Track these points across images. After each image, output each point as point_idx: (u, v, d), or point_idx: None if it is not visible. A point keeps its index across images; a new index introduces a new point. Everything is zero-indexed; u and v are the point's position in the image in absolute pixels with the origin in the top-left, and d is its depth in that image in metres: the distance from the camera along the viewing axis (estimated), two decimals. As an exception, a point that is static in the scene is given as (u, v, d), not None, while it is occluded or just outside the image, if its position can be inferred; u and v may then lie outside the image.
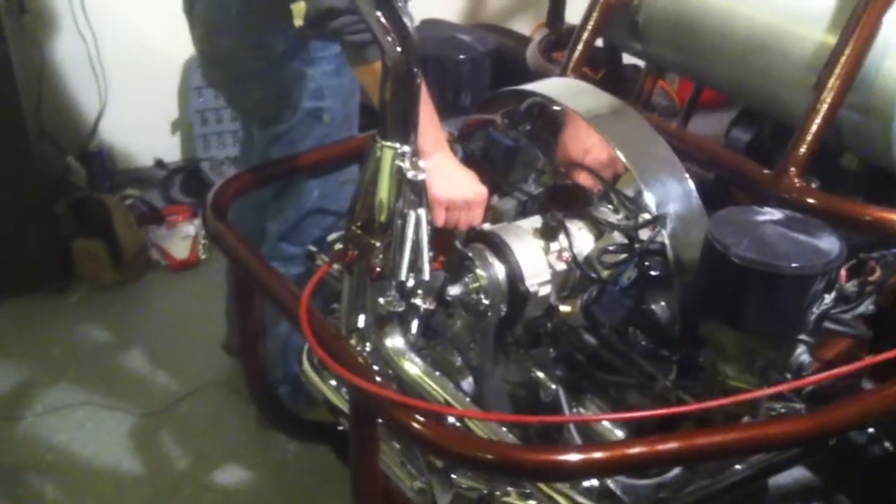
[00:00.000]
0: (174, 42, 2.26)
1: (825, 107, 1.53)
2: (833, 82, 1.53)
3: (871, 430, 1.65)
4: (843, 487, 1.93)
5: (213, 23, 1.92)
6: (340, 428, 1.72)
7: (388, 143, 1.39)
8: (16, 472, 2.23)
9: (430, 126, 1.63)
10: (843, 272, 1.49)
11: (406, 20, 1.34)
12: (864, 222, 1.51)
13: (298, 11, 1.70)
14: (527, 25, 3.70)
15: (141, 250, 3.01)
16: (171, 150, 3.56)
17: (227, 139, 3.50)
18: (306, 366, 1.73)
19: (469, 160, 1.75)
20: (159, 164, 3.48)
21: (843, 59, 1.53)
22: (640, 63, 2.15)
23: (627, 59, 2.34)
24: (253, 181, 1.85)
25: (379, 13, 1.31)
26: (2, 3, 2.63)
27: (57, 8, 3.17)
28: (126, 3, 3.22)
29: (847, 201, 1.54)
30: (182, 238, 3.13)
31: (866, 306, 1.48)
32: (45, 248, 2.87)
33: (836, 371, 1.30)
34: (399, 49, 1.33)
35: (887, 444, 1.65)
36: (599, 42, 2.10)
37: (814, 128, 1.53)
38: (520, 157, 1.77)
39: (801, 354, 1.33)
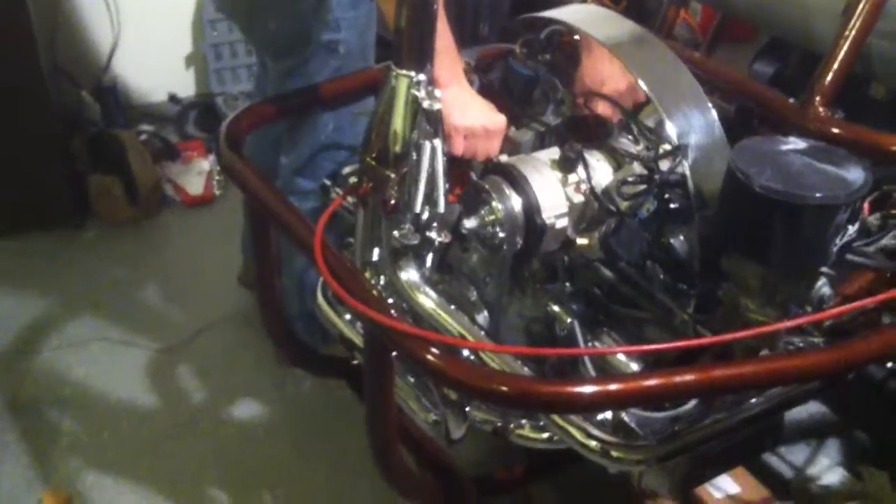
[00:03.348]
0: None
1: (854, 33, 1.49)
2: (862, 7, 1.48)
3: (889, 364, 1.63)
4: (861, 422, 1.91)
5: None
6: (355, 362, 1.72)
7: (404, 72, 1.36)
8: (33, 406, 2.25)
9: (448, 57, 1.59)
10: (866, 205, 1.46)
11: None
12: (891, 153, 1.47)
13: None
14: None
15: (156, 186, 3.00)
16: (185, 84, 3.53)
17: (241, 74, 3.47)
18: (321, 300, 1.72)
19: (487, 90, 1.71)
20: (173, 98, 3.46)
21: (872, -15, 1.48)
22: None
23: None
24: (267, 114, 1.82)
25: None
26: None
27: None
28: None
29: (873, 132, 1.50)
30: (197, 174, 3.12)
31: (889, 239, 1.45)
32: (61, 184, 2.87)
33: (856, 304, 1.27)
34: (415, -25, 1.29)
35: (906, 379, 1.64)
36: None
37: (841, 56, 1.49)
38: (539, 88, 1.73)
39: (823, 287, 1.30)
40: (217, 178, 3.09)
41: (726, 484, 1.78)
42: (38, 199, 2.84)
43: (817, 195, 1.20)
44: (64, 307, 2.57)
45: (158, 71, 3.43)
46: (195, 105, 3.45)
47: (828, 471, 1.98)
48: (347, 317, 1.66)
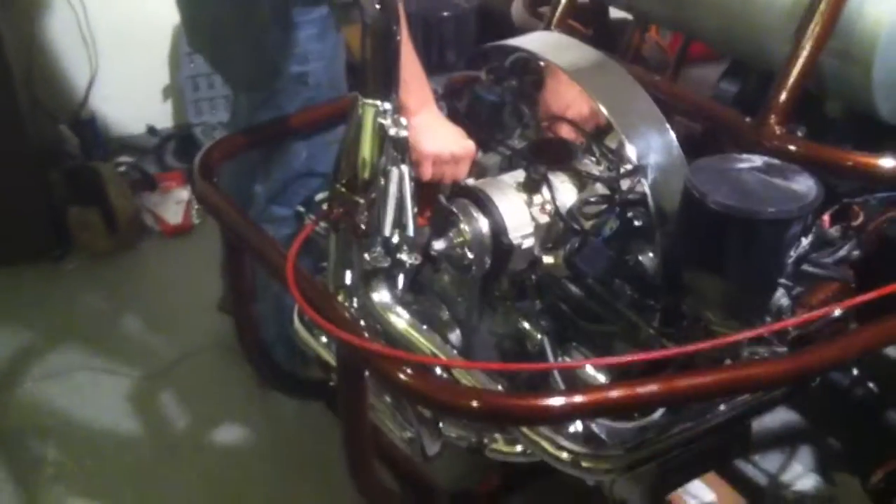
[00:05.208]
0: (164, 8, 2.26)
1: (805, 54, 1.53)
2: (813, 28, 1.53)
3: (855, 371, 1.67)
4: (831, 429, 1.96)
5: (197, -14, 1.92)
6: (332, 383, 1.75)
7: (370, 101, 1.41)
8: (17, 437, 2.27)
9: (417, 83, 1.64)
10: (826, 217, 1.51)
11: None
12: (846, 167, 1.52)
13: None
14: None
15: (135, 217, 3.04)
16: (163, 116, 3.56)
17: (218, 104, 3.50)
18: (298, 324, 1.75)
19: (454, 117, 1.76)
20: (152, 130, 3.50)
21: (822, 5, 1.53)
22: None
23: (619, 12, 2.33)
24: (240, 144, 1.86)
25: (356, -29, 1.33)
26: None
27: (45, -24, 3.17)
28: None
29: (828, 147, 1.55)
30: (176, 203, 3.15)
31: (848, 251, 1.50)
32: (41, 216, 2.90)
33: (813, 314, 1.32)
34: (378, 6, 1.34)
35: (872, 384, 1.68)
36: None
37: (794, 75, 1.54)
38: (504, 113, 1.78)
39: (781, 298, 1.35)
40: (196, 207, 3.12)
41: (702, 492, 1.82)
42: (18, 231, 2.86)
43: (770, 209, 1.25)
44: (46, 338, 2.59)
45: (136, 103, 3.47)
46: (173, 136, 3.49)
47: (801, 477, 2.02)
48: (323, 339, 1.70)
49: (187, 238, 3.09)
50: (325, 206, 1.75)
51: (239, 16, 1.86)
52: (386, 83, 1.40)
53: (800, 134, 1.63)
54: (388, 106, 1.41)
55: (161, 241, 3.07)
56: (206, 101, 3.50)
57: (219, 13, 1.90)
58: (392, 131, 1.42)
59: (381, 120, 1.41)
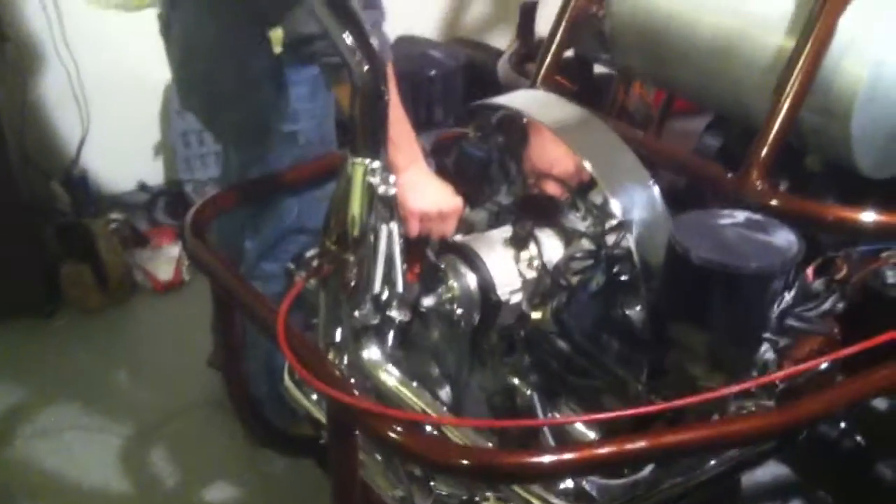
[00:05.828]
0: (155, 66, 2.30)
1: (785, 109, 1.57)
2: (792, 84, 1.57)
3: (843, 424, 1.68)
4: (821, 483, 1.96)
5: (190, 45, 1.95)
6: (323, 441, 1.75)
7: (359, 160, 1.43)
8: (5, 496, 2.25)
9: (406, 142, 1.67)
10: (809, 271, 1.53)
11: (374, 40, 1.38)
12: (827, 222, 1.55)
13: (277, 38, 1.75)
14: (502, 39, 3.74)
15: (126, 273, 3.04)
16: (154, 173, 3.58)
17: (209, 161, 3.52)
18: (288, 381, 1.75)
19: (443, 173, 1.78)
20: (143, 187, 3.51)
21: (801, 62, 1.57)
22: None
23: (604, 68, 2.38)
24: (231, 201, 1.88)
25: (346, 35, 1.36)
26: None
27: (37, 36, 3.19)
28: (106, 29, 3.23)
29: (809, 202, 1.58)
30: (166, 260, 3.15)
31: (832, 304, 1.52)
32: (32, 273, 2.90)
33: (799, 367, 1.33)
34: (366, 68, 1.37)
35: (859, 438, 1.68)
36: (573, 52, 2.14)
37: (774, 130, 1.57)
38: (492, 169, 1.81)
39: (766, 352, 1.36)
40: (186, 263, 3.13)
41: (692, 547, 1.81)
42: (9, 287, 2.85)
43: (752, 265, 1.27)
44: (36, 396, 2.58)
45: (127, 160, 3.49)
46: (164, 192, 3.51)
47: (792, 530, 2.02)
48: (314, 397, 1.70)
49: (178, 294, 3.09)
50: (314, 263, 1.78)
51: (231, 75, 1.89)
52: (375, 142, 1.42)
53: (782, 188, 1.67)
54: (376, 164, 1.43)
55: (152, 298, 3.08)
56: (197, 157, 3.52)
57: (211, 72, 1.93)
58: (381, 189, 1.43)
59: (370, 178, 1.43)
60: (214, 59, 1.89)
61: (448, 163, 1.86)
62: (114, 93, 3.32)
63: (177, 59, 2.02)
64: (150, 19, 2.07)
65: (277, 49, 1.75)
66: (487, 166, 1.80)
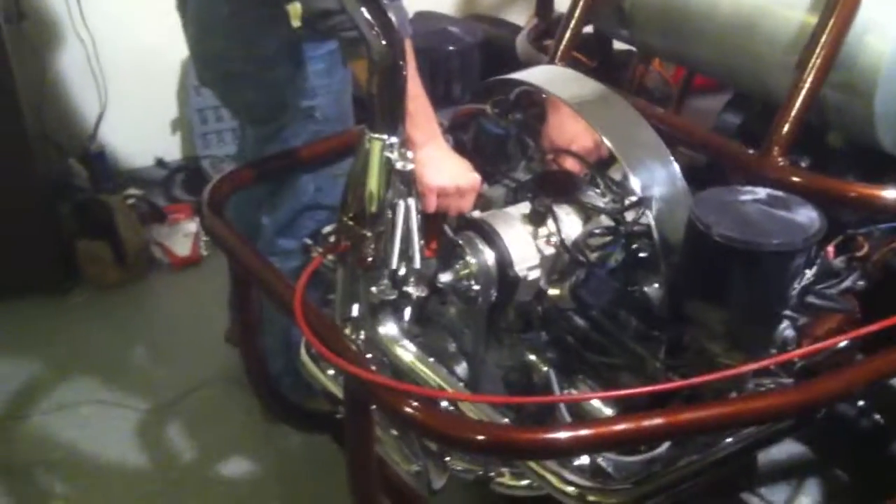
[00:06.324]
0: (172, 42, 2.29)
1: (807, 86, 1.55)
2: (814, 61, 1.55)
3: (861, 403, 1.67)
4: (837, 461, 1.95)
5: (205, 23, 1.95)
6: (339, 416, 1.75)
7: (377, 135, 1.42)
8: (24, 470, 2.27)
9: (424, 118, 1.66)
10: (830, 248, 1.51)
11: (391, 14, 1.37)
12: (849, 199, 1.53)
13: (295, 13, 1.74)
14: (521, 16, 3.71)
15: (144, 249, 3.05)
16: (171, 148, 3.59)
17: (226, 137, 3.53)
18: (304, 357, 1.76)
19: (460, 149, 1.78)
20: (160, 163, 3.52)
21: (823, 38, 1.55)
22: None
23: (623, 44, 2.36)
24: (248, 177, 1.87)
25: (364, 9, 1.35)
26: (2, 12, 2.67)
27: (55, 13, 3.21)
28: (123, 5, 3.26)
29: (831, 179, 1.56)
30: (184, 236, 3.17)
31: (853, 281, 1.50)
32: (50, 250, 2.91)
33: (818, 345, 1.32)
34: (384, 42, 1.36)
35: (878, 416, 1.67)
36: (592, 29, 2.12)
37: (796, 107, 1.55)
38: (509, 146, 1.80)
39: (785, 330, 1.35)
40: (204, 239, 3.14)
41: (708, 525, 1.81)
42: (27, 265, 2.87)
43: (774, 241, 1.26)
44: (54, 371, 2.60)
45: (145, 136, 3.50)
46: (182, 168, 3.52)
47: (808, 510, 2.01)
48: (330, 372, 1.70)
49: (196, 270, 3.10)
50: (332, 239, 1.77)
51: (247, 51, 1.88)
52: (392, 118, 1.42)
53: (803, 165, 1.65)
54: (394, 140, 1.42)
55: (169, 274, 3.09)
56: (214, 133, 3.53)
57: (227, 49, 1.92)
58: (398, 165, 1.43)
59: (387, 154, 1.42)
60: (228, 36, 1.89)
61: (466, 139, 1.85)
62: (131, 69, 3.33)
63: (192, 36, 2.01)
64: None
65: (296, 23, 1.74)
66: (505, 142, 1.79)
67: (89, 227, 3.00)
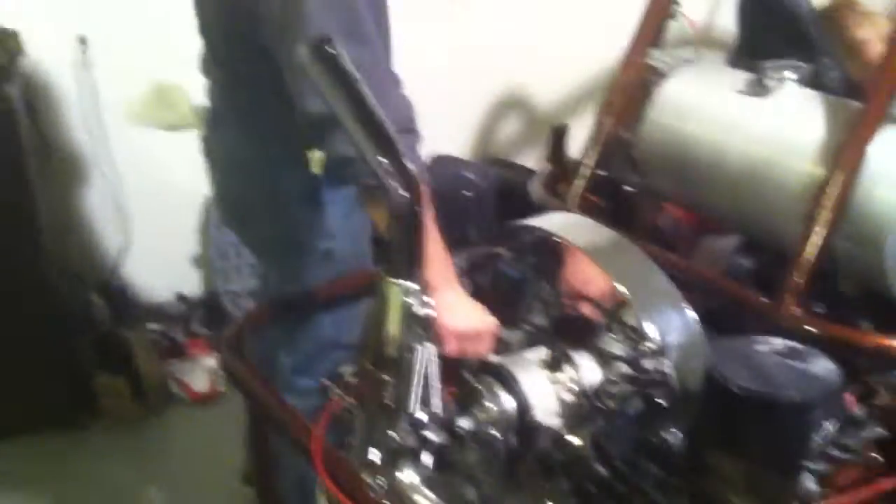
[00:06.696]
0: (195, 179, 2.36)
1: (818, 237, 1.59)
2: (824, 213, 1.59)
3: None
4: None
5: (227, 165, 2.01)
6: (355, 563, 1.72)
7: (395, 281, 1.45)
8: None
9: (440, 262, 1.69)
10: (850, 397, 1.51)
11: (411, 165, 1.42)
12: (865, 349, 1.55)
13: (316, 160, 1.80)
14: (533, 157, 3.83)
15: (162, 384, 3.06)
16: (192, 283, 3.64)
17: (245, 272, 3.56)
18: (321, 500, 1.74)
19: (477, 292, 1.80)
20: (180, 297, 3.56)
21: (832, 190, 1.60)
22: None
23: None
24: (268, 317, 1.90)
25: (384, 159, 1.39)
26: (30, 146, 2.76)
27: (81, 149, 3.30)
28: (149, 144, 3.36)
29: (847, 328, 1.58)
30: (202, 371, 3.18)
31: (872, 431, 1.49)
32: (68, 384, 2.92)
33: (840, 499, 1.31)
34: (404, 193, 1.40)
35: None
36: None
37: (808, 258, 1.59)
38: (527, 289, 1.83)
39: (807, 482, 1.34)
40: (221, 374, 3.14)
41: None
42: (44, 399, 2.88)
43: (791, 394, 1.27)
44: (69, 508, 2.58)
45: (166, 271, 3.55)
46: (201, 303, 3.55)
47: None
48: (348, 517, 1.68)
49: (213, 405, 3.11)
50: (350, 380, 1.78)
51: (265, 193, 1.94)
52: (411, 264, 1.44)
53: (816, 309, 1.67)
54: (412, 285, 1.45)
55: (187, 409, 3.09)
56: (234, 269, 3.56)
57: (248, 192, 1.98)
58: (417, 310, 1.45)
59: (406, 299, 1.44)
60: (250, 177, 1.95)
61: (482, 281, 1.88)
62: (155, 206, 3.40)
63: (216, 179, 2.08)
64: (190, 136, 2.14)
65: (316, 170, 1.80)
66: (522, 286, 1.82)
67: (108, 362, 3.02)
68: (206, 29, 1.94)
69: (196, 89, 2.11)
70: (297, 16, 1.59)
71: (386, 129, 1.35)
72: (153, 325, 3.34)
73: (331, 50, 1.18)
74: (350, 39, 1.51)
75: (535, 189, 2.30)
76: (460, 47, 3.55)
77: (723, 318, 1.76)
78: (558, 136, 2.65)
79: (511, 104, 3.89)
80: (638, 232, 2.09)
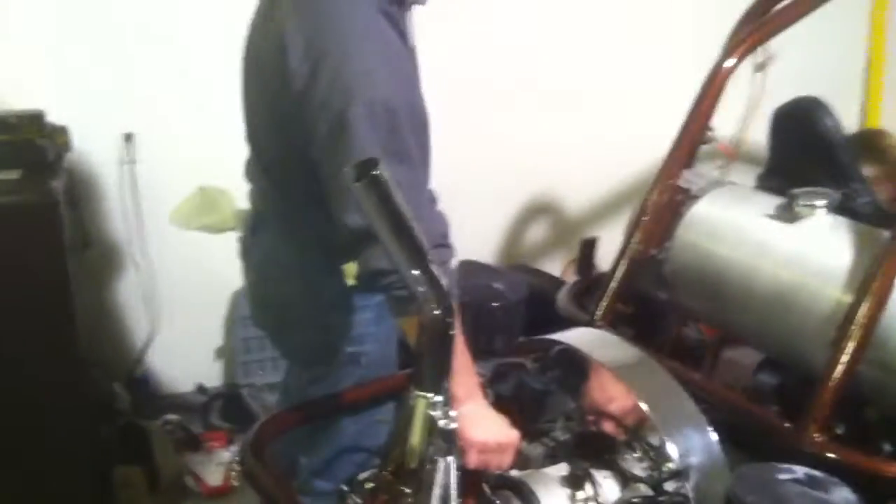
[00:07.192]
0: (226, 274, 2.40)
1: (843, 363, 1.59)
2: (850, 340, 1.60)
3: None
4: None
5: (265, 269, 2.05)
6: None
7: (422, 393, 1.46)
8: None
9: (466, 375, 1.70)
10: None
11: (444, 280, 1.44)
12: (886, 478, 1.54)
13: (350, 271, 1.84)
14: (558, 262, 3.87)
15: (178, 477, 3.05)
16: (212, 375, 3.65)
17: (267, 366, 3.57)
18: None
19: (499, 402, 1.81)
20: (201, 389, 3.57)
21: (859, 318, 1.61)
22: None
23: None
24: (292, 421, 1.92)
25: (417, 273, 1.42)
26: (71, 237, 2.81)
27: (117, 241, 3.37)
28: (181, 236, 3.40)
29: (868, 457, 1.57)
30: (217, 465, 3.16)
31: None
32: (87, 475, 2.90)
33: None
34: (435, 309, 1.42)
35: None
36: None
37: (832, 384, 1.59)
38: (549, 402, 1.84)
39: None
40: (236, 469, 3.13)
41: None
42: (62, 490, 2.86)
43: (812, 526, 1.26)
44: None
45: (189, 362, 3.56)
46: (221, 395, 3.55)
47: None
48: None
49: (226, 501, 3.08)
50: (368, 486, 1.78)
51: (303, 300, 1.97)
52: (439, 377, 1.46)
53: (838, 432, 1.66)
54: (439, 398, 1.46)
55: (200, 502, 3.07)
56: (256, 362, 3.58)
57: (287, 294, 2.01)
58: (442, 423, 1.46)
59: (431, 412, 1.46)
60: (288, 283, 1.98)
61: (506, 392, 1.89)
62: (184, 297, 3.44)
63: (253, 282, 2.11)
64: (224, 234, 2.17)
65: (350, 281, 1.83)
66: (546, 398, 1.82)
67: (126, 452, 3.01)
68: (253, 136, 1.99)
69: (238, 192, 2.16)
70: (345, 136, 1.63)
71: (421, 247, 1.38)
72: (171, 416, 3.34)
73: (375, 172, 1.22)
74: (392, 159, 1.55)
75: (563, 301, 2.32)
76: (493, 147, 3.62)
77: (745, 433, 1.77)
78: (588, 248, 2.69)
79: (540, 209, 3.95)
80: (662, 342, 2.11)
